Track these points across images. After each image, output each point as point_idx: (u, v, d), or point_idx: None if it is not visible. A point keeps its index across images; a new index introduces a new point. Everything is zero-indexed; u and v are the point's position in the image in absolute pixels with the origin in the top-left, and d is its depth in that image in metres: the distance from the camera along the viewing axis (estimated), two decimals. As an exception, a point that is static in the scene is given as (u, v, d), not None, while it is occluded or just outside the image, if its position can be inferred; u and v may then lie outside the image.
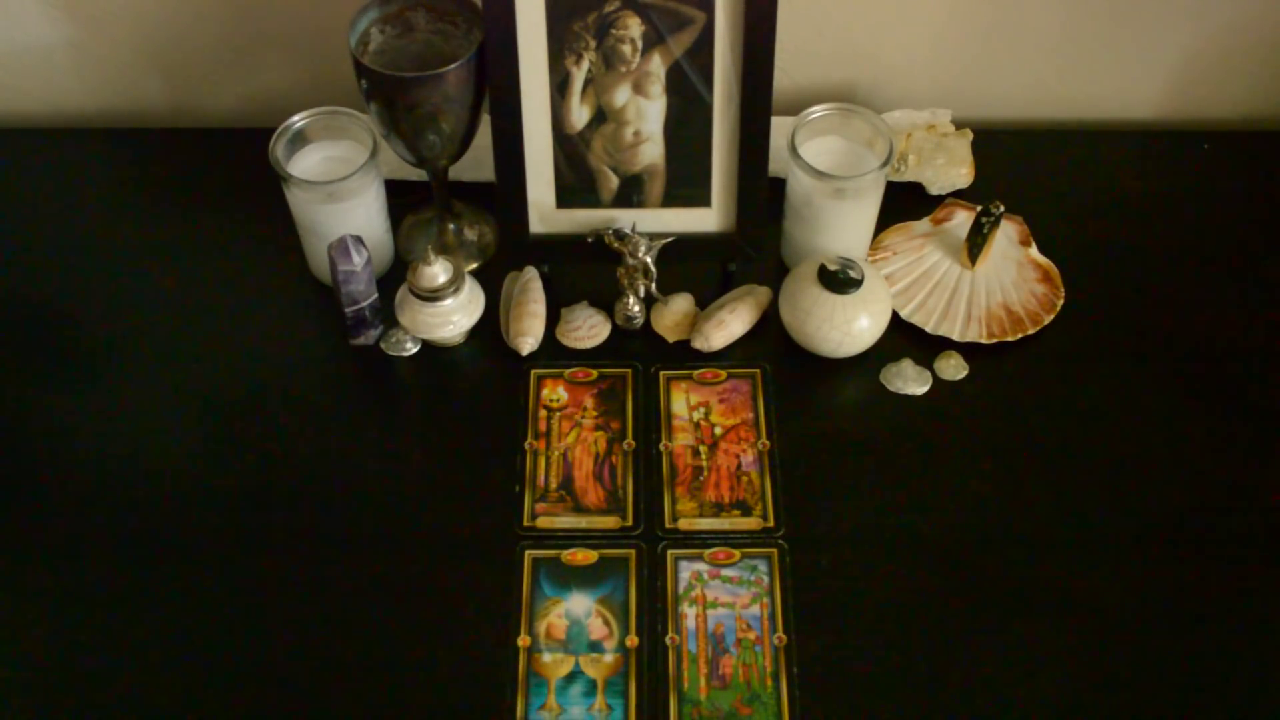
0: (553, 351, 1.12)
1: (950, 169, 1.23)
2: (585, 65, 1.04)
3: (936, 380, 1.10)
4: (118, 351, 1.12)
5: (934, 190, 1.23)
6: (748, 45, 1.02)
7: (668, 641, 0.94)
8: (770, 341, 1.13)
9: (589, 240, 1.11)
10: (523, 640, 0.95)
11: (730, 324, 1.11)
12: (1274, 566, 0.98)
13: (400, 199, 1.18)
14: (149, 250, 1.20)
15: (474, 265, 1.17)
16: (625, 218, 1.11)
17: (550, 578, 0.98)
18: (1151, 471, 1.04)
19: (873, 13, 1.25)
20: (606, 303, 1.14)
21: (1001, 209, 1.12)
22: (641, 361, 1.11)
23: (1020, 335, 1.12)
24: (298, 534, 1.00)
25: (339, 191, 1.08)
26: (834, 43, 1.27)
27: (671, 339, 1.12)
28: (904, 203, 1.21)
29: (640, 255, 1.09)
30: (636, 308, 1.12)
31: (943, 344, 1.12)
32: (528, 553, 0.99)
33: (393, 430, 1.08)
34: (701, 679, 0.93)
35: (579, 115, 1.07)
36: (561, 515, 1.01)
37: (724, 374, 1.10)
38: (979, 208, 1.14)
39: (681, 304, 1.13)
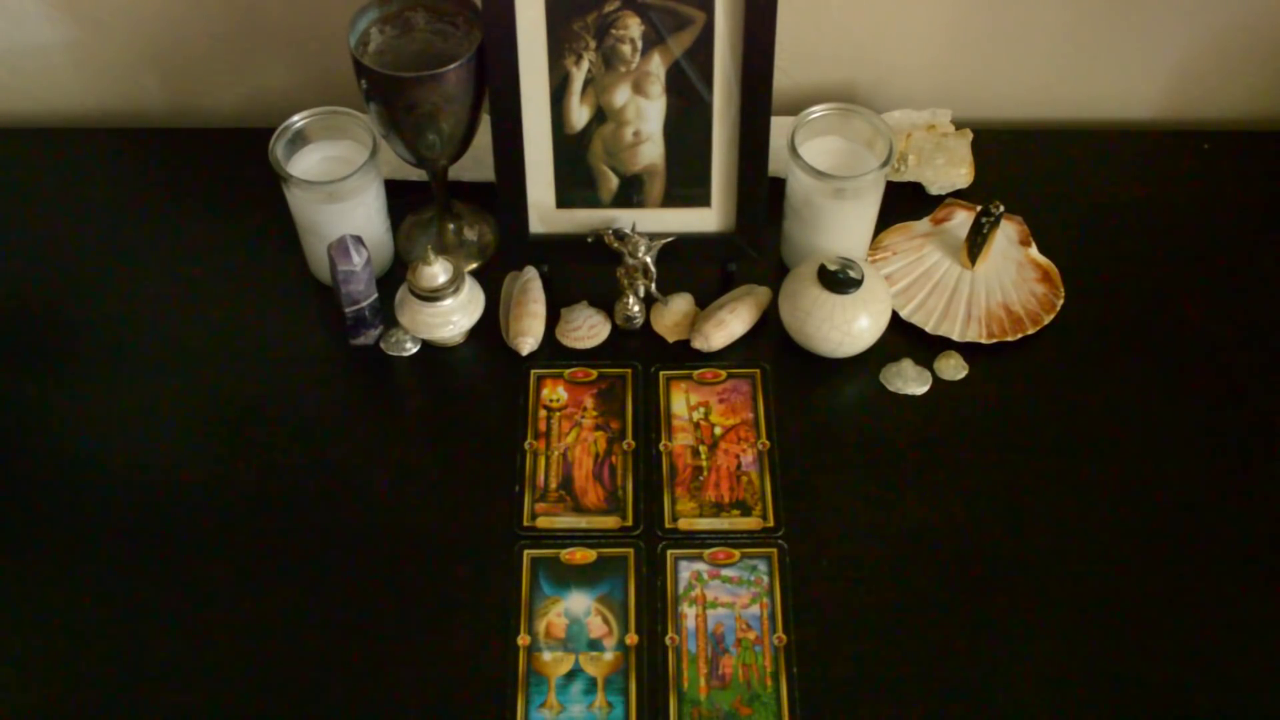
0: (553, 351, 1.12)
1: (950, 169, 1.23)
2: (585, 65, 1.04)
3: (936, 380, 1.10)
4: (117, 351, 1.12)
5: (934, 190, 1.23)
6: (748, 45, 1.02)
7: (667, 641, 0.94)
8: (770, 341, 1.13)
9: (589, 240, 1.11)
10: (522, 639, 0.95)
11: (730, 324, 1.11)
12: (1274, 566, 0.98)
13: (400, 199, 1.18)
14: (149, 250, 1.20)
15: (474, 265, 1.17)
16: (625, 218, 1.11)
17: (549, 577, 0.98)
18: (1151, 471, 1.04)
19: (873, 13, 1.25)
20: (606, 303, 1.14)
21: (1001, 209, 1.12)
22: (641, 361, 1.11)
23: (1020, 335, 1.12)
24: (297, 534, 1.00)
25: (339, 191, 1.08)
26: (834, 43, 1.27)
27: (671, 339, 1.12)
28: (904, 203, 1.21)
29: (640, 255, 1.09)
30: (636, 308, 1.12)
31: (942, 344, 1.12)
32: (526, 552, 0.99)
33: (392, 430, 1.08)
34: (701, 679, 0.93)
35: (579, 115, 1.07)
36: (561, 515, 1.01)
37: (724, 374, 1.10)
38: (979, 208, 1.14)
39: (681, 304, 1.13)
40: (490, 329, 1.13)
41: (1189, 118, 1.34)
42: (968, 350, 1.11)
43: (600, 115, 1.07)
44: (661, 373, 1.10)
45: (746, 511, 1.01)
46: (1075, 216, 1.22)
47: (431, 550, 0.99)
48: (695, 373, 1.10)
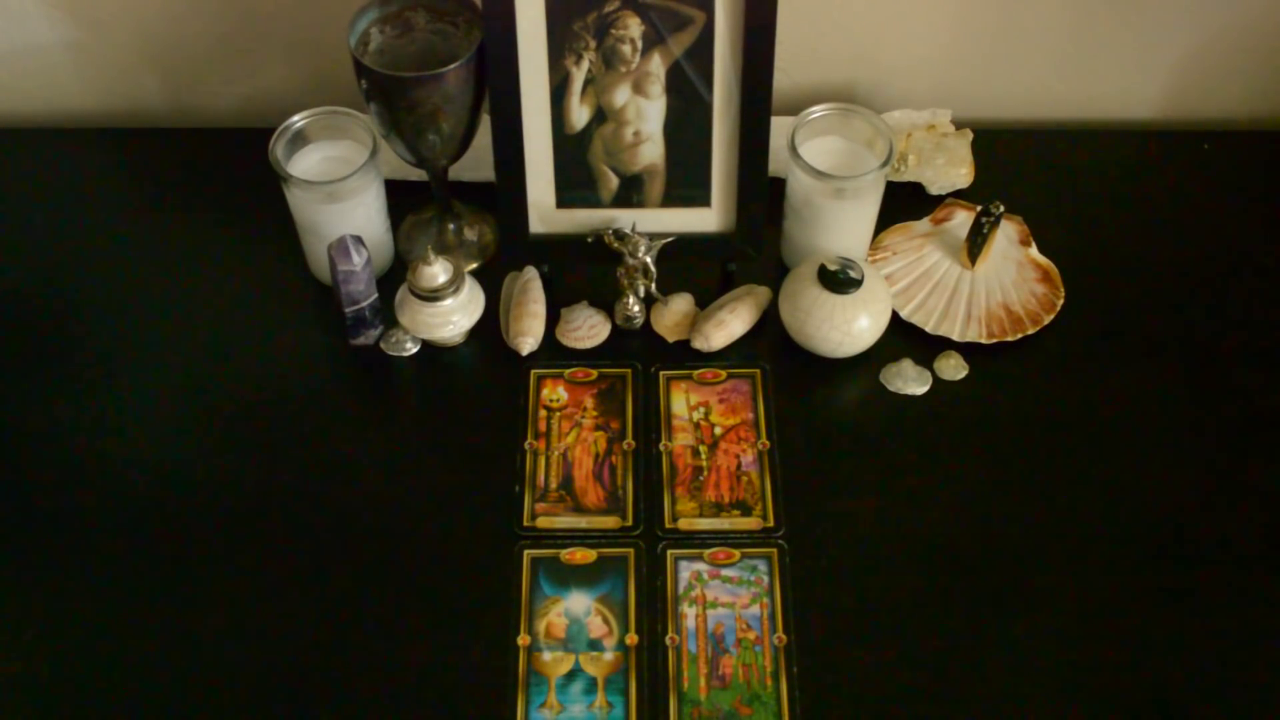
0: (553, 351, 1.12)
1: (950, 169, 1.23)
2: (585, 65, 1.04)
3: (936, 380, 1.10)
4: (117, 351, 1.12)
5: (934, 190, 1.23)
6: (748, 45, 1.02)
7: (668, 641, 0.94)
8: (770, 341, 1.13)
9: (589, 240, 1.11)
10: (523, 639, 0.95)
11: (730, 324, 1.11)
12: (1273, 566, 0.98)
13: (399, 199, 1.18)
14: (149, 250, 1.20)
15: (474, 265, 1.17)
16: (625, 218, 1.11)
17: (549, 577, 0.98)
18: (1151, 471, 1.04)
19: (873, 13, 1.25)
20: (606, 303, 1.14)
21: (1001, 209, 1.12)
22: (641, 361, 1.11)
23: (1020, 335, 1.12)
24: (297, 534, 1.00)
25: (339, 191, 1.08)
26: (834, 43, 1.27)
27: (671, 339, 1.12)
28: (904, 203, 1.21)
29: (640, 255, 1.09)
30: (636, 308, 1.12)
31: (943, 344, 1.12)
32: (526, 552, 0.99)
33: (392, 430, 1.08)
34: (701, 679, 0.93)
35: (579, 115, 1.07)
36: (561, 515, 1.01)
37: (724, 374, 1.10)
38: (979, 208, 1.14)
39: (681, 304, 1.13)
40: (490, 329, 1.13)
41: (1189, 118, 1.34)
42: (968, 350, 1.11)
43: (600, 115, 1.07)
44: (661, 373, 1.10)
45: (746, 511, 1.01)
46: (1075, 216, 1.22)
47: (431, 550, 0.99)
48: (695, 373, 1.10)
